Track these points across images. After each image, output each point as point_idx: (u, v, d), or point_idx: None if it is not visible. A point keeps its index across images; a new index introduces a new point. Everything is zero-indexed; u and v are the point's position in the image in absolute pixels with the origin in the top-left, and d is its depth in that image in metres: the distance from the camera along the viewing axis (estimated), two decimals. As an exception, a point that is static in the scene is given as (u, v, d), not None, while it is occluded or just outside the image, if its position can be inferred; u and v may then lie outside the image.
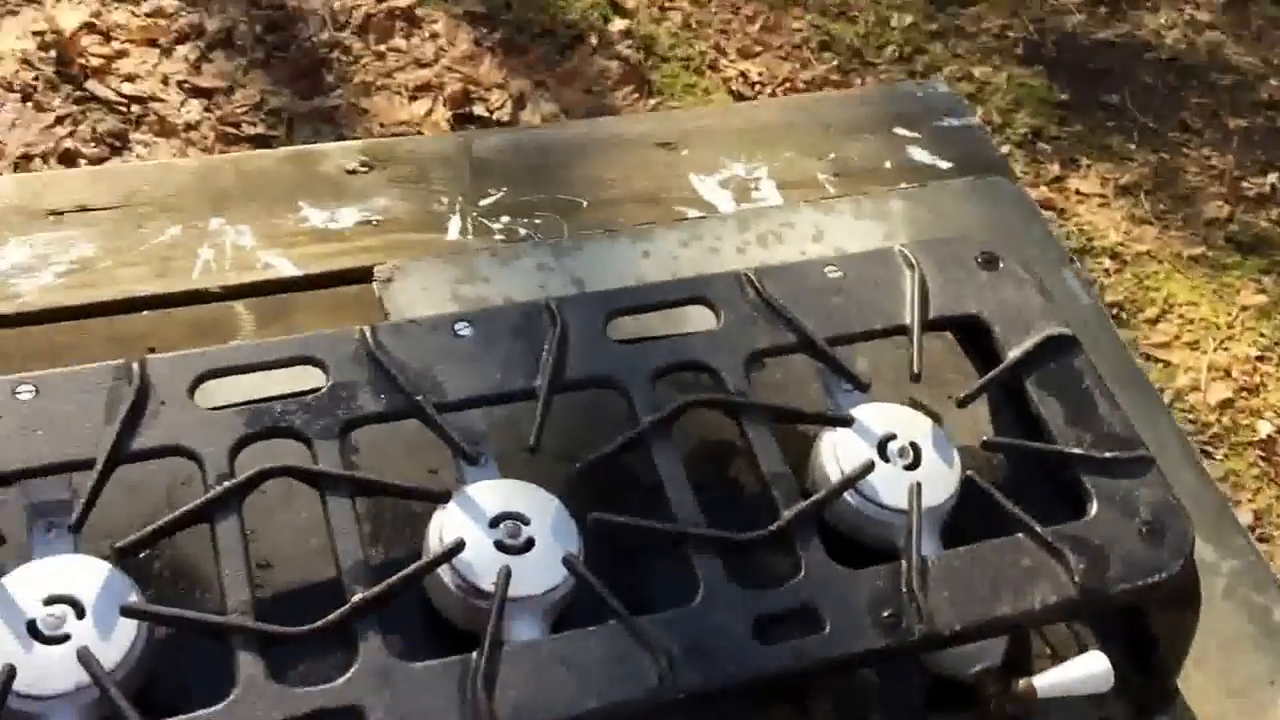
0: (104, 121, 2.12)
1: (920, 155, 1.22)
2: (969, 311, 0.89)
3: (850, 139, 1.22)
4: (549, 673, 0.69)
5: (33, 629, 0.68)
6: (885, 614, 0.74)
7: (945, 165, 1.21)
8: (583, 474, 0.78)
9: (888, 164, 1.20)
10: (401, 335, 0.81)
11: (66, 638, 0.68)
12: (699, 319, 0.88)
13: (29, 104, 2.10)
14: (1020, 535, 0.79)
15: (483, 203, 1.10)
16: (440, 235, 1.07)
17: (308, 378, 0.80)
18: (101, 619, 0.69)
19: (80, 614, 0.69)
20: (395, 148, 1.13)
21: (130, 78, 2.21)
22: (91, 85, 2.17)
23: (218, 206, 1.05)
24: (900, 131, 1.24)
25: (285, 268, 1.02)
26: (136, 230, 1.02)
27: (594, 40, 2.67)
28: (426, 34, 2.55)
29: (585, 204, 1.11)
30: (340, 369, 0.79)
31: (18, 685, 0.66)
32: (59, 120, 2.08)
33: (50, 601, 0.69)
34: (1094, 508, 0.81)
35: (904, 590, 0.75)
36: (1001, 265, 0.92)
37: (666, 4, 2.81)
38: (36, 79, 2.15)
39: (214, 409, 0.77)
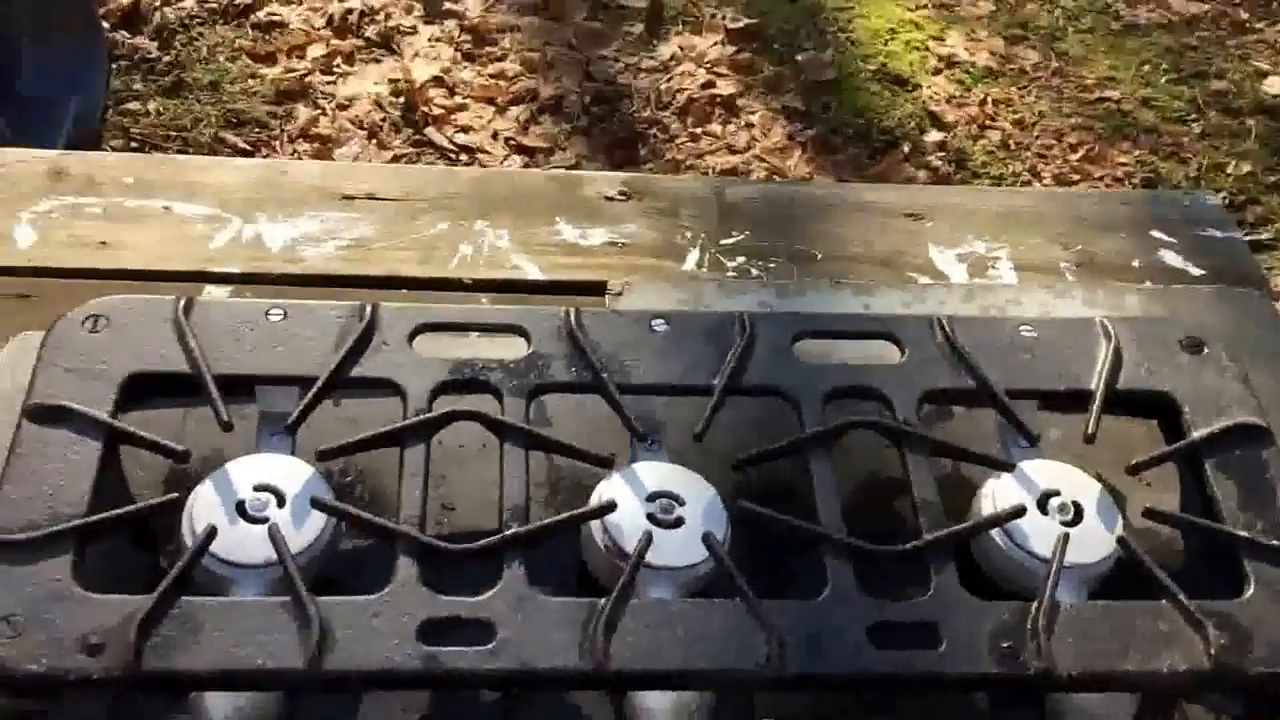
0: (434, 165, 2.33)
1: (1172, 259, 1.21)
2: (1160, 389, 0.90)
3: (1101, 234, 1.23)
4: (667, 630, 0.74)
5: (240, 508, 0.79)
6: (1004, 644, 0.75)
7: (1197, 272, 1.20)
8: (740, 468, 0.84)
9: (1136, 263, 1.20)
10: (602, 322, 0.89)
11: (265, 520, 0.78)
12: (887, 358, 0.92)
13: (373, 141, 2.34)
14: (1164, 602, 0.79)
15: (724, 241, 1.17)
16: (677, 264, 1.15)
17: (515, 350, 0.89)
18: (297, 510, 0.79)
19: (281, 503, 0.79)
20: (654, 183, 1.23)
21: (465, 129, 2.43)
22: (429, 132, 2.39)
23: (484, 211, 1.17)
24: (1156, 234, 1.23)
25: (531, 271, 1.12)
26: (411, 221, 1.15)
27: (906, 148, 2.73)
28: (743, 123, 2.67)
29: (820, 256, 1.17)
30: (541, 341, 0.88)
31: (218, 550, 0.76)
32: (395, 159, 2.31)
33: (259, 489, 0.80)
34: (1250, 590, 0.80)
35: (1028, 627, 0.76)
36: (1206, 350, 0.92)
37: (988, 122, 2.83)
38: (384, 120, 2.40)
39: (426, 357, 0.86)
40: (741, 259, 1.16)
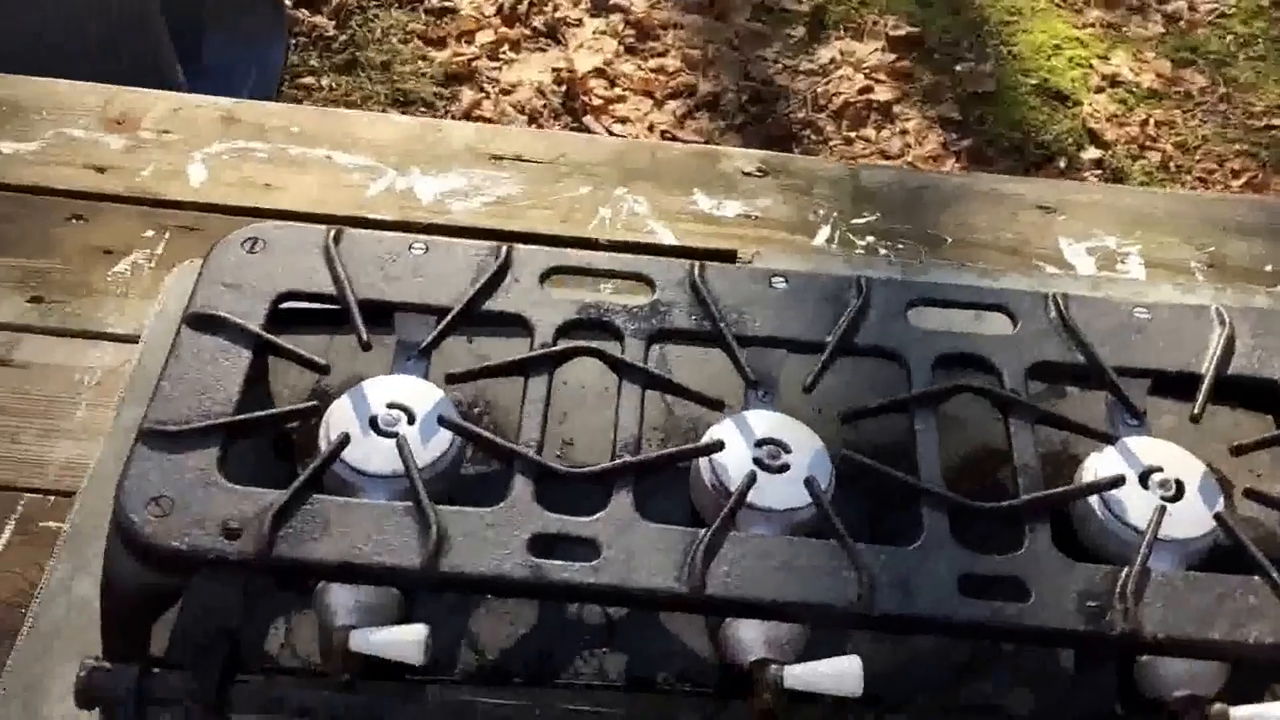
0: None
1: (1307, 267, 1.21)
2: (1271, 377, 0.90)
3: (1235, 238, 1.23)
4: (763, 562, 0.78)
5: (373, 422, 0.84)
6: (1091, 604, 0.77)
7: (1331, 282, 1.20)
8: (848, 421, 0.87)
9: (1268, 268, 1.20)
10: (725, 276, 0.93)
11: (395, 434, 0.84)
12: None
13: (533, 125, 2.42)
14: (1256, 577, 0.79)
15: (855, 221, 1.20)
16: (808, 239, 1.18)
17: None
18: (425, 428, 0.84)
19: (410, 420, 0.85)
20: (790, 162, 1.26)
21: (622, 119, 2.49)
22: (588, 120, 2.46)
23: (626, 179, 1.22)
24: (1292, 242, 1.23)
25: (665, 237, 1.17)
26: (554, 183, 1.21)
27: (1062, 164, 2.70)
28: (898, 129, 2.68)
29: (949, 241, 1.20)
30: (665, 290, 0.92)
31: (349, 458, 0.82)
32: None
33: (391, 406, 0.85)
34: (1347, 576, 0.80)
35: (1117, 589, 0.78)
36: (1323, 345, 0.92)
37: (1149, 143, 2.79)
38: (544, 106, 2.47)
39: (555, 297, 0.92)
40: (871, 238, 1.19)
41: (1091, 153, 2.76)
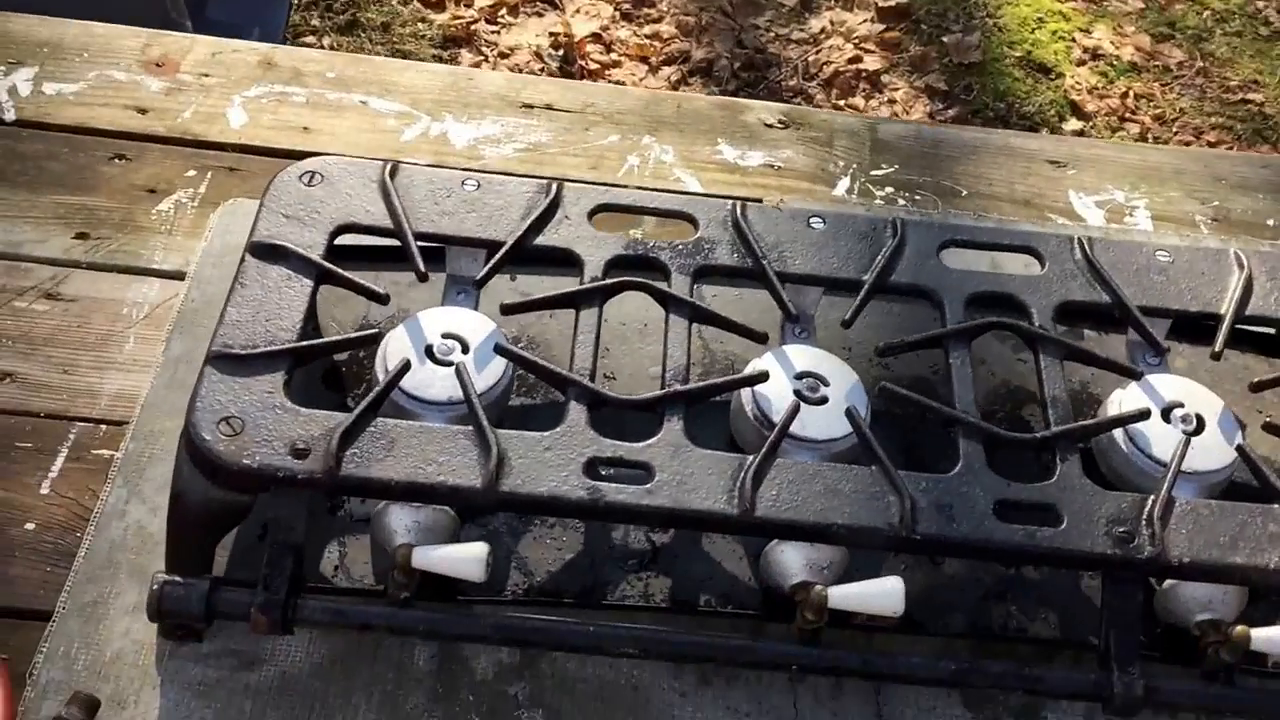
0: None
1: (1311, 221, 1.25)
2: (1288, 318, 0.94)
3: (1239, 193, 1.27)
4: (809, 487, 0.81)
5: (428, 351, 0.87)
6: (1120, 530, 0.81)
7: (1331, 236, 1.24)
8: (885, 355, 0.90)
9: (1270, 221, 1.24)
10: (764, 215, 0.96)
11: (451, 363, 0.87)
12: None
13: (531, 87, 2.43)
14: (1277, 506, 0.83)
15: (874, 173, 1.24)
16: (828, 189, 1.22)
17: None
18: (480, 356, 0.87)
19: (465, 350, 0.88)
20: (811, 115, 1.29)
21: (618, 84, 2.51)
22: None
23: (653, 128, 1.24)
24: (1293, 198, 1.27)
25: (692, 184, 1.20)
26: (584, 131, 1.23)
27: (1044, 135, 2.75)
28: (886, 98, 2.72)
29: (964, 193, 1.23)
30: (709, 228, 0.95)
31: (407, 386, 0.85)
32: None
33: (446, 336, 0.88)
34: (1364, 504, 0.84)
35: (1145, 516, 0.82)
36: (1336, 288, 0.96)
37: (1128, 115, 2.84)
38: (541, 70, 2.48)
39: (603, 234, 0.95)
40: (889, 189, 1.22)
41: (1073, 124, 2.80)
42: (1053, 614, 0.88)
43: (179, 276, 1.06)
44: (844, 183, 1.23)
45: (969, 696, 0.86)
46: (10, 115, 1.15)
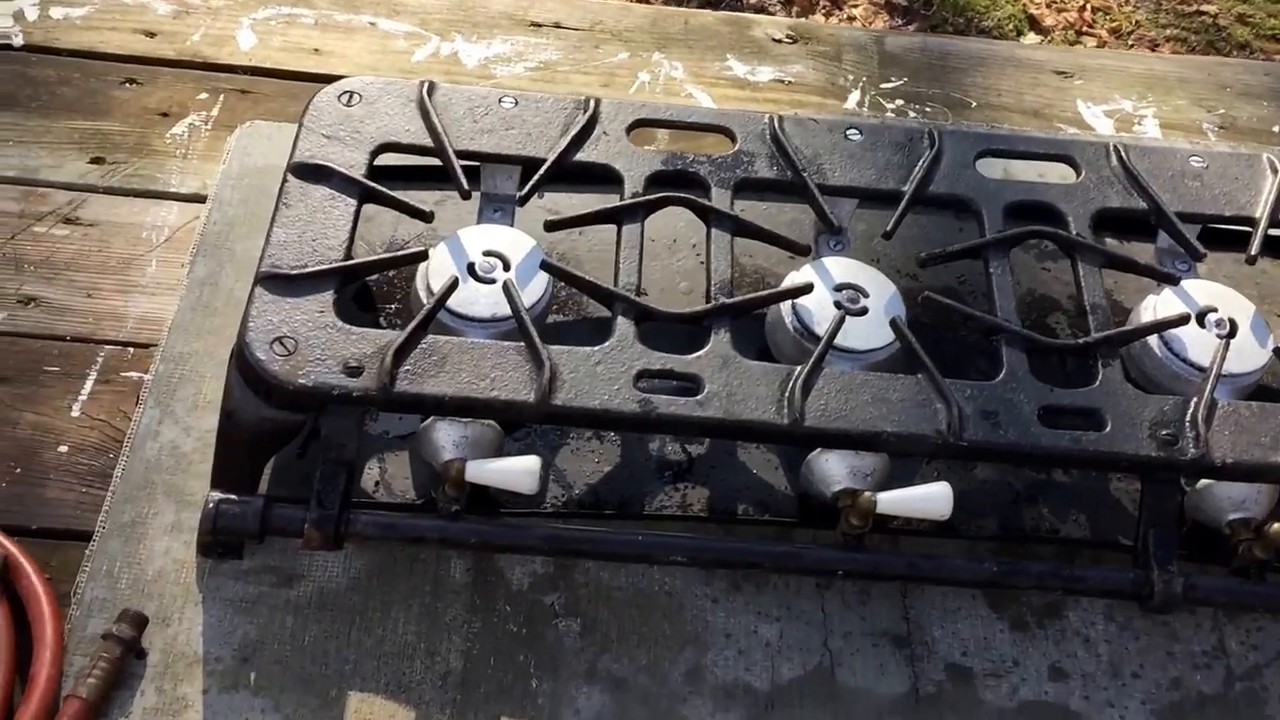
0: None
1: (1311, 127, 1.27)
2: (1319, 220, 0.95)
3: (1244, 101, 1.28)
4: (857, 396, 0.82)
5: (471, 270, 0.87)
6: (1164, 432, 0.82)
7: (1336, 141, 1.25)
8: (925, 264, 0.91)
9: (1276, 128, 1.25)
10: (801, 127, 0.96)
11: (493, 281, 0.86)
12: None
13: None
14: (1313, 406, 0.85)
15: (883, 86, 1.24)
16: (839, 103, 1.22)
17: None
18: (522, 273, 0.87)
19: (506, 267, 0.87)
20: (818, 29, 1.29)
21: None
22: None
23: (661, 45, 1.24)
24: (1297, 104, 1.29)
25: (704, 101, 1.19)
26: (594, 49, 1.22)
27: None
28: (846, 15, 2.70)
29: (974, 105, 1.23)
30: (747, 141, 0.95)
31: (452, 304, 0.85)
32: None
33: (487, 254, 0.88)
34: (1392, 402, 0.86)
35: (1188, 418, 0.83)
36: (1362, 190, 0.98)
37: (1085, 29, 2.84)
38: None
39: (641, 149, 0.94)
40: (900, 102, 1.22)
41: (1031, 38, 2.80)
42: (1083, 515, 0.89)
43: (198, 199, 1.05)
44: (854, 96, 1.22)
45: (994, 598, 0.88)
46: (19, 40, 1.13)
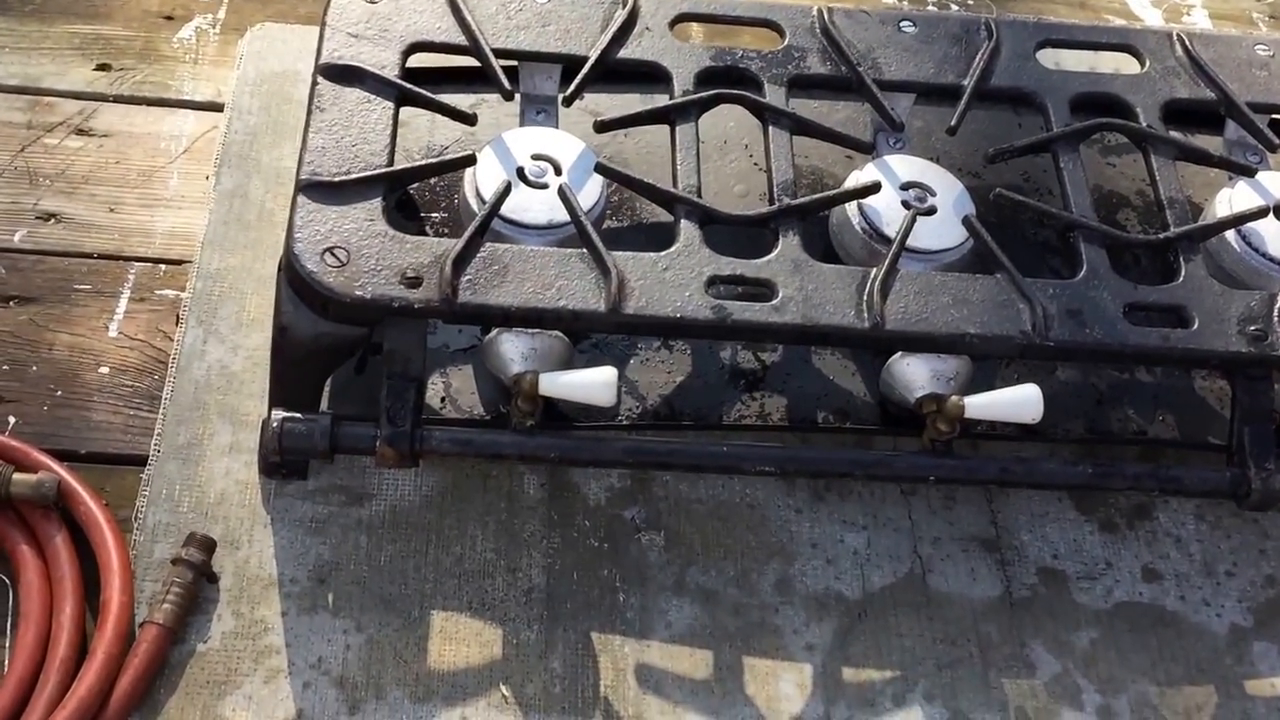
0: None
1: (1362, 14, 1.23)
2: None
3: (1292, -11, 1.24)
4: (937, 298, 0.78)
5: (521, 174, 0.82)
6: (1253, 328, 0.79)
7: (1385, 27, 1.22)
8: (993, 160, 0.87)
9: (1326, 16, 1.22)
10: (852, 20, 0.92)
11: (545, 185, 0.82)
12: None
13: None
14: (1402, 293, 0.82)
15: (924, -22, 1.19)
16: (879, -2, 1.17)
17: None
18: (576, 176, 0.82)
19: (558, 171, 0.83)
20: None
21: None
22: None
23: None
24: (1345, -7, 1.25)
25: None
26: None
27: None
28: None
29: (1018, -4, 1.19)
30: (796, 35, 0.90)
31: (505, 210, 0.80)
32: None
33: (536, 158, 0.83)
34: None
35: (1276, 314, 0.80)
36: None
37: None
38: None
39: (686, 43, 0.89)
40: (944, -6, 1.18)
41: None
42: (1170, 415, 0.86)
43: (214, 108, 0.99)
44: (895, -11, 1.17)
45: (1081, 500, 0.86)
46: (8, -63, 1.06)
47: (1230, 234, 0.86)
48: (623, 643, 0.77)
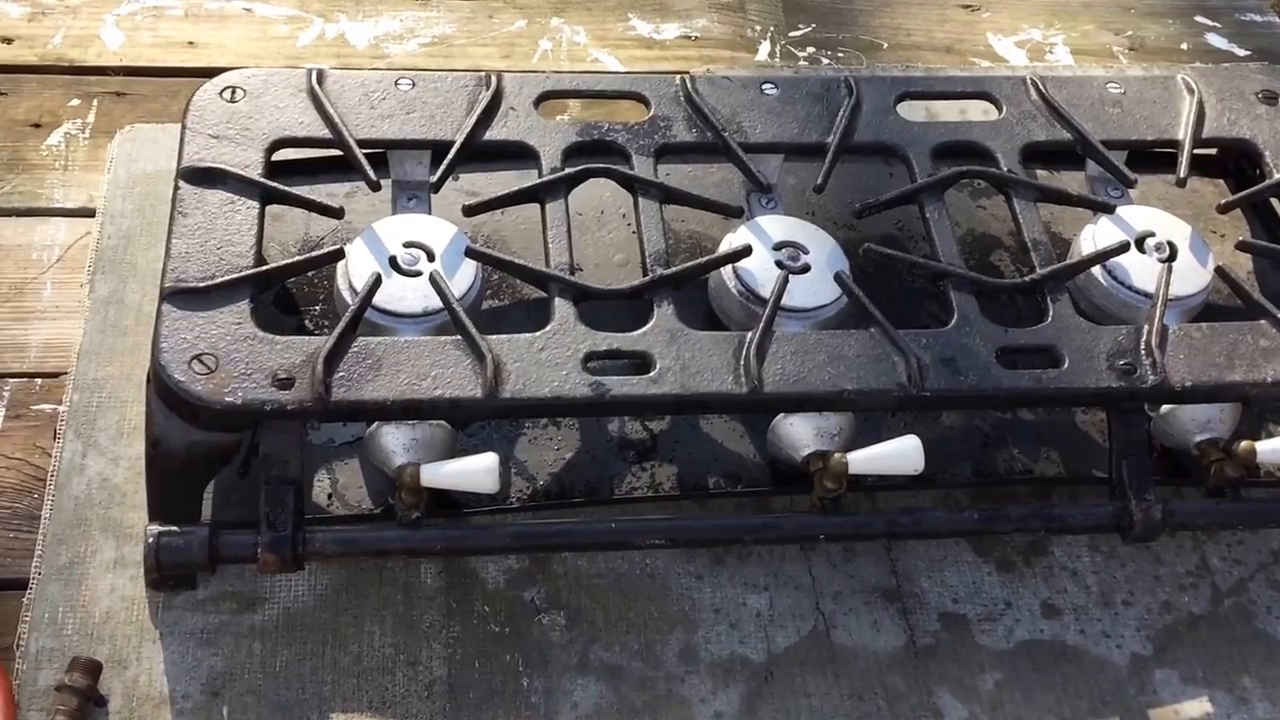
0: None
1: (1218, 41, 1.26)
2: (1242, 136, 0.95)
3: (1150, 20, 1.27)
4: (813, 356, 0.79)
5: (394, 263, 0.82)
6: (1122, 362, 0.81)
7: (1242, 54, 1.25)
8: (861, 214, 0.88)
9: (1184, 45, 1.25)
10: (715, 86, 0.93)
11: (418, 273, 0.82)
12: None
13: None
14: (1263, 321, 0.84)
15: (792, 34, 1.21)
16: (750, 55, 1.18)
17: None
18: (448, 262, 0.82)
19: (431, 258, 0.83)
20: (720, -19, 1.25)
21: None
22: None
23: (559, 9, 1.19)
24: (1201, 20, 1.28)
25: (612, 64, 1.15)
26: (488, 19, 1.17)
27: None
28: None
29: (885, 45, 1.21)
30: (661, 105, 0.91)
31: (379, 301, 0.80)
32: None
33: (409, 245, 0.83)
34: (1340, 310, 0.85)
35: (1143, 346, 0.81)
36: (1280, 104, 0.97)
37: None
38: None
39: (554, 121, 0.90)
40: (811, 49, 1.20)
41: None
42: (1054, 451, 0.88)
43: (86, 214, 0.98)
44: (764, 47, 1.19)
45: (978, 543, 0.87)
46: None
47: (1097, 270, 0.88)
48: (528, 728, 0.77)
